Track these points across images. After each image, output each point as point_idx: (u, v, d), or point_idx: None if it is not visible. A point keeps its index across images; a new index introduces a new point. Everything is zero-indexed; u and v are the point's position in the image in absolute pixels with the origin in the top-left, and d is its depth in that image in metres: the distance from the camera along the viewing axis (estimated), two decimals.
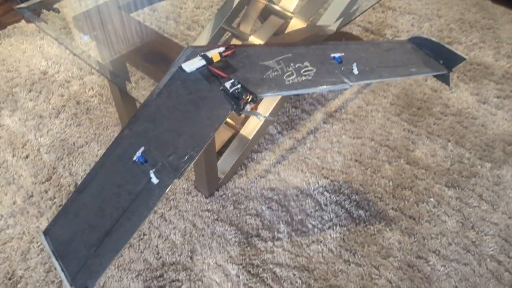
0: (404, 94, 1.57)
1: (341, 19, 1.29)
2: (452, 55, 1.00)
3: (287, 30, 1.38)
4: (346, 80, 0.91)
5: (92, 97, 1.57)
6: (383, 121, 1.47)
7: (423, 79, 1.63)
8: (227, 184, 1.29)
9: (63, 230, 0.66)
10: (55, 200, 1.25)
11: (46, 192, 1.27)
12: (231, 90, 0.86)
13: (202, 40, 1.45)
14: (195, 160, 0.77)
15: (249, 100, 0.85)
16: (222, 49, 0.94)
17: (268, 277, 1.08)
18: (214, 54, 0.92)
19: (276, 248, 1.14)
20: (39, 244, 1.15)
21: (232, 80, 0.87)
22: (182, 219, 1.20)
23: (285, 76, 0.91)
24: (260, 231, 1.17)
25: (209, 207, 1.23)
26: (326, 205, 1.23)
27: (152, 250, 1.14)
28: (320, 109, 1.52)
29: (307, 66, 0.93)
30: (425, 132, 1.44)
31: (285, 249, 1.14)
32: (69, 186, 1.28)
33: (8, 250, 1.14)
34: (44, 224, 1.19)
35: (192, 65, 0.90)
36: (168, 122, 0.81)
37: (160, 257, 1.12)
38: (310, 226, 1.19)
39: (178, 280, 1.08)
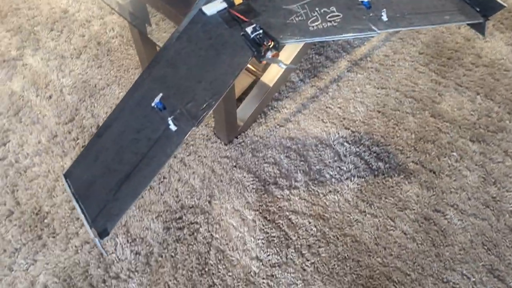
0: (435, 42, 1.50)
1: None
2: (490, 1, 0.93)
3: None
4: (374, 27, 0.86)
5: (113, 38, 1.55)
6: (410, 71, 1.41)
7: (456, 26, 1.54)
8: (246, 132, 1.29)
9: (84, 173, 0.68)
10: (78, 141, 1.27)
11: (70, 132, 1.29)
12: (252, 36, 0.83)
13: None
14: (213, 108, 0.76)
15: (270, 46, 0.82)
16: None
17: (284, 224, 1.10)
18: None
19: (293, 196, 1.15)
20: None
21: (254, 25, 0.84)
22: (201, 164, 1.22)
23: (309, 21, 0.87)
24: (277, 179, 1.18)
25: (227, 154, 1.24)
26: (345, 156, 1.23)
27: (171, 193, 1.17)
28: (345, 56, 1.47)
29: (333, 11, 0.89)
30: (454, 83, 1.38)
31: (302, 198, 1.15)
32: (91, 127, 1.30)
33: (35, 187, 1.19)
34: (67, 163, 1.23)
35: (213, 7, 0.87)
36: (188, 68, 0.80)
37: (180, 200, 1.15)
38: (327, 176, 1.19)
39: (196, 223, 1.11)
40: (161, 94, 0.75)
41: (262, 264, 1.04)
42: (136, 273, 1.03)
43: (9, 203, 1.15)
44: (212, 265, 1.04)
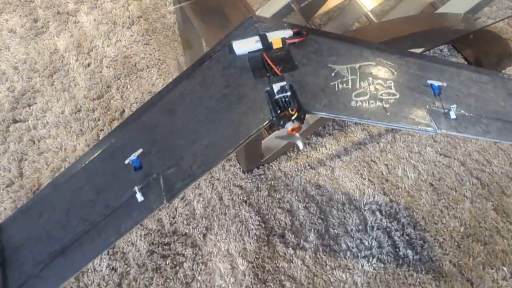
0: None
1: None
2: None
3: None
4: (434, 124, 0.66)
5: (171, 13, 1.43)
6: (488, 144, 1.16)
7: None
8: (271, 163, 1.14)
9: (20, 231, 0.58)
10: (99, 122, 1.20)
11: (94, 111, 1.22)
12: (277, 96, 0.66)
13: (267, 11, 1.16)
14: (196, 182, 0.62)
15: (293, 118, 0.65)
16: (290, 32, 0.72)
17: None
18: (276, 39, 0.70)
19: (296, 259, 1.00)
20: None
21: (284, 83, 0.67)
22: (211, 187, 1.10)
23: (354, 93, 0.68)
24: (286, 232, 1.04)
25: (242, 183, 1.11)
26: (372, 227, 1.04)
27: (170, 211, 1.07)
28: None
29: (389, 87, 0.69)
30: None
31: (305, 264, 1.00)
32: (116, 111, 1.22)
33: (42, 162, 1.14)
34: (81, 145, 1.17)
35: (245, 46, 0.71)
36: (186, 119, 0.65)
37: (175, 223, 1.05)
38: (344, 246, 1.02)
39: (183, 255, 1.01)
40: (141, 150, 0.62)
41: None
42: None
43: (13, 172, 1.12)
44: None
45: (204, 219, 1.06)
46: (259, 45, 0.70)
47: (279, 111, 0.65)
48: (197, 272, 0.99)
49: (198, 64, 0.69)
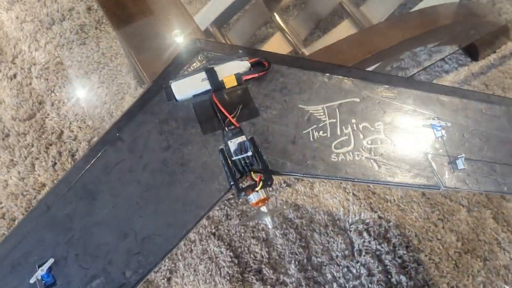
0: None
1: None
2: None
3: None
4: (439, 179, 0.51)
5: None
6: None
7: None
8: None
9: None
10: (32, 149, 1.01)
11: (25, 135, 1.02)
12: (234, 157, 0.50)
13: (219, 3, 0.95)
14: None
15: (257, 188, 0.49)
16: (247, 64, 0.54)
17: None
18: (228, 76, 0.53)
19: None
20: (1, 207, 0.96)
21: (243, 138, 0.51)
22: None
23: (335, 143, 0.52)
24: (263, 266, 0.90)
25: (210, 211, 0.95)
26: (360, 252, 0.92)
27: None
28: None
29: (379, 131, 0.53)
30: None
31: None
32: (52, 133, 1.03)
33: None
34: (13, 179, 0.98)
35: (188, 87, 0.53)
36: (114, 204, 0.48)
37: None
38: (329, 276, 0.90)
39: None
40: (52, 259, 0.45)
41: None
42: None
43: None
44: None
45: (167, 260, 0.91)
46: (206, 85, 0.53)
47: (238, 178, 0.50)
48: None
49: (126, 118, 0.52)
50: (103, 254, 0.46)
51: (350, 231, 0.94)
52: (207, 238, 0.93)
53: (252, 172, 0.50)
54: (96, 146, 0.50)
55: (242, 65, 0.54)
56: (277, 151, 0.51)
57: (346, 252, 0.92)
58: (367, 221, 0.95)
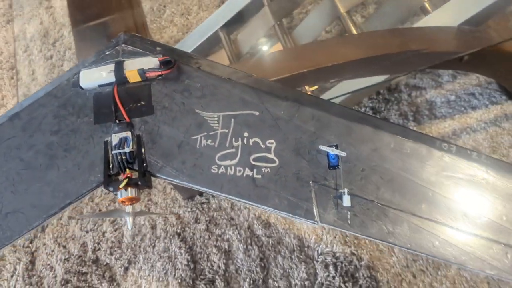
0: None
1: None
2: None
3: None
4: (316, 213, 0.45)
5: None
6: None
7: None
8: None
9: None
10: None
11: None
12: (113, 151, 0.49)
13: (189, 42, 0.96)
14: None
15: (122, 184, 0.48)
16: (155, 61, 0.53)
17: None
18: (131, 70, 0.52)
19: None
20: None
21: (127, 133, 0.50)
22: (147, 211, 0.96)
23: (219, 155, 0.49)
24: (217, 277, 0.87)
25: (180, 212, 0.95)
26: (321, 285, 0.84)
27: (97, 235, 0.95)
28: (410, 121, 0.98)
29: (268, 150, 0.48)
30: None
31: None
32: None
33: None
34: None
35: (95, 77, 0.54)
36: None
37: (99, 249, 0.94)
38: None
39: None
40: None
41: None
42: None
43: None
44: None
45: (129, 250, 0.93)
46: (112, 77, 0.53)
47: (115, 173, 0.49)
48: None
49: (32, 97, 0.54)
50: None
51: (317, 261, 0.87)
52: (172, 237, 0.93)
53: (127, 170, 0.49)
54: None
55: (151, 62, 0.53)
56: (160, 153, 0.50)
57: (307, 283, 0.85)
58: (337, 254, 0.87)
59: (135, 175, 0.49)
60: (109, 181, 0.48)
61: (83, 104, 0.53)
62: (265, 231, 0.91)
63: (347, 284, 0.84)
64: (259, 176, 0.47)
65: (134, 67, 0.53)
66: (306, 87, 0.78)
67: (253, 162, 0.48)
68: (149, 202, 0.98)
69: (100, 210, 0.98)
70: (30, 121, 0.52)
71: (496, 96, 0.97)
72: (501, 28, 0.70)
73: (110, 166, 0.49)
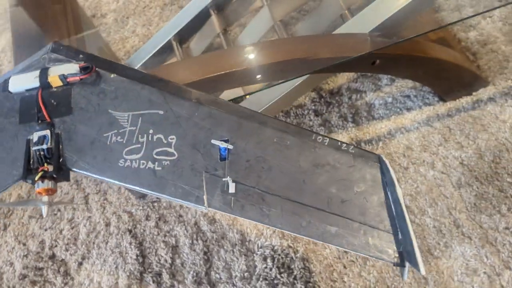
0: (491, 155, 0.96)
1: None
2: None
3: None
4: (205, 198, 0.51)
5: None
6: (428, 188, 0.94)
7: None
8: None
9: None
10: None
11: None
12: (33, 148, 0.56)
13: (145, 51, 1.03)
14: None
15: (38, 176, 0.54)
16: (76, 67, 0.60)
17: None
18: (53, 76, 0.59)
19: None
20: None
21: (45, 132, 0.56)
22: (101, 210, 1.02)
23: (126, 150, 0.55)
24: (164, 270, 0.93)
25: (133, 210, 1.01)
26: (259, 277, 0.90)
27: (54, 232, 1.01)
28: (349, 128, 1.04)
29: (169, 145, 0.55)
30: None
31: None
32: None
33: None
34: None
35: (22, 82, 0.60)
36: None
37: (56, 246, 0.99)
38: None
39: (53, 284, 0.95)
40: None
41: None
42: None
43: None
44: None
45: (84, 246, 0.99)
46: (36, 82, 0.60)
47: (30, 167, 0.55)
48: None
49: None
50: None
51: (257, 254, 0.93)
52: (123, 233, 0.99)
53: (45, 164, 0.55)
54: None
55: (72, 68, 0.60)
56: (75, 149, 0.56)
57: (246, 274, 0.91)
58: (275, 248, 0.93)
59: (52, 169, 0.55)
60: (28, 174, 0.55)
61: (10, 107, 0.59)
62: (211, 227, 0.97)
63: (282, 275, 0.89)
64: (160, 168, 0.53)
65: (56, 73, 0.59)
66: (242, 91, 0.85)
67: (155, 156, 0.54)
68: (105, 201, 1.04)
69: (59, 211, 1.04)
70: None
71: (430, 98, 1.04)
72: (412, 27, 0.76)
73: (31, 162, 0.56)
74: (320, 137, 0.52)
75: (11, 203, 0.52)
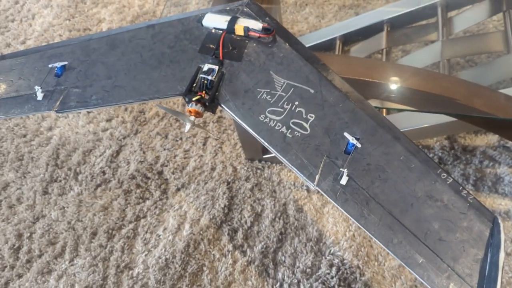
0: None
1: None
2: None
3: None
4: (317, 177, 0.56)
5: None
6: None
7: None
8: (274, 164, 1.09)
9: None
10: None
11: None
12: (200, 75, 0.66)
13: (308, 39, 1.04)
14: (90, 108, 0.68)
15: (200, 99, 0.64)
16: (259, 25, 0.68)
17: None
18: (239, 25, 0.68)
19: (229, 257, 0.97)
20: None
21: (215, 67, 0.66)
22: (213, 155, 1.13)
23: (270, 109, 0.62)
24: (240, 229, 1.01)
25: (238, 167, 1.10)
26: (318, 278, 0.93)
27: (170, 154, 1.15)
28: None
29: (306, 120, 0.60)
30: None
31: (234, 267, 0.96)
32: None
33: None
34: None
35: (214, 21, 0.71)
36: (119, 58, 0.70)
37: (166, 165, 1.13)
38: (279, 276, 0.94)
39: (151, 194, 1.09)
40: (66, 62, 0.70)
41: None
42: None
43: None
44: None
45: (187, 177, 1.11)
46: (225, 25, 0.69)
47: (192, 89, 0.65)
48: (151, 213, 1.06)
49: (160, 21, 0.73)
50: (91, 79, 0.68)
51: (326, 258, 0.95)
52: (222, 182, 1.08)
53: (204, 92, 0.65)
54: (146, 22, 0.73)
55: (256, 25, 0.68)
56: (231, 91, 0.64)
57: (308, 270, 0.94)
58: (345, 261, 0.94)
59: (208, 98, 0.64)
60: (188, 93, 0.65)
61: (197, 36, 0.70)
62: (296, 214, 1.02)
63: None
64: (290, 136, 0.59)
65: (242, 24, 0.68)
66: None
67: (291, 124, 0.60)
68: (219, 149, 1.14)
69: (181, 140, 1.18)
70: (159, 33, 0.71)
71: None
72: None
73: (194, 85, 0.65)
74: (445, 174, 0.53)
75: (167, 108, 0.62)
